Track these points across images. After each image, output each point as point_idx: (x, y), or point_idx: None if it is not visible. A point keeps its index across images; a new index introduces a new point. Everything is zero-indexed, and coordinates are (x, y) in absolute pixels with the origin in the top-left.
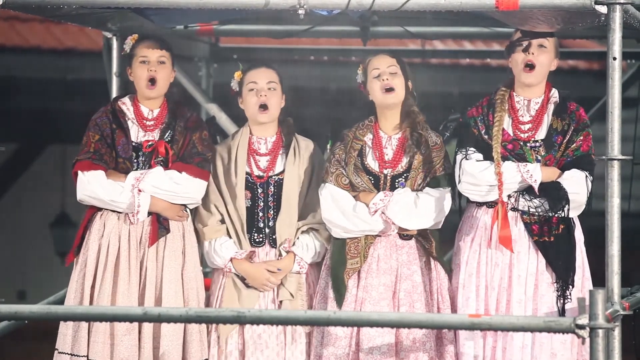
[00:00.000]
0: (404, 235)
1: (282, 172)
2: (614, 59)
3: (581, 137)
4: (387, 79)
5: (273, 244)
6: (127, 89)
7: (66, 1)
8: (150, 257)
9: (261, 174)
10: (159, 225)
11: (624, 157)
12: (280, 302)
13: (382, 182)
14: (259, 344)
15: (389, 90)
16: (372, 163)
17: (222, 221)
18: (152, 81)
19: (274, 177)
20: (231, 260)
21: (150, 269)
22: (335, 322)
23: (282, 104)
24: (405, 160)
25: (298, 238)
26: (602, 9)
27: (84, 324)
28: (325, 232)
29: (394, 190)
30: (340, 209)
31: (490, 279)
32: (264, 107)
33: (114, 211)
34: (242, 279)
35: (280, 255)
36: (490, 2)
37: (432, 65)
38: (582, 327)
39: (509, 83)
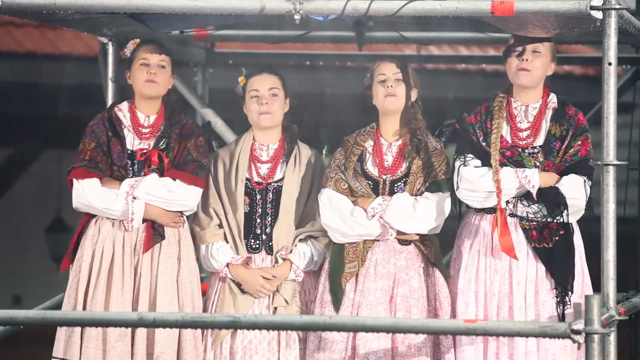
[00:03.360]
0: (403, 240)
1: (282, 179)
2: (610, 64)
3: (579, 142)
4: (391, 86)
5: (269, 250)
6: (123, 94)
7: (62, 6)
8: (145, 264)
9: (260, 180)
10: (154, 231)
11: (619, 163)
12: (275, 308)
13: (381, 186)
14: (249, 349)
15: (391, 96)
16: (371, 168)
17: (220, 225)
18: (151, 82)
19: (273, 184)
20: (227, 265)
21: (144, 275)
22: (330, 327)
23: (285, 109)
24: (404, 166)
25: (296, 245)
26: (598, 15)
27: (77, 329)
28: (325, 240)
29: (393, 195)
30: (338, 214)
31: (489, 285)
32: (265, 113)
33: (108, 218)
34: (238, 284)
35: (276, 262)
36: (485, 8)
37: (428, 70)
38: (577, 332)
39: (507, 89)
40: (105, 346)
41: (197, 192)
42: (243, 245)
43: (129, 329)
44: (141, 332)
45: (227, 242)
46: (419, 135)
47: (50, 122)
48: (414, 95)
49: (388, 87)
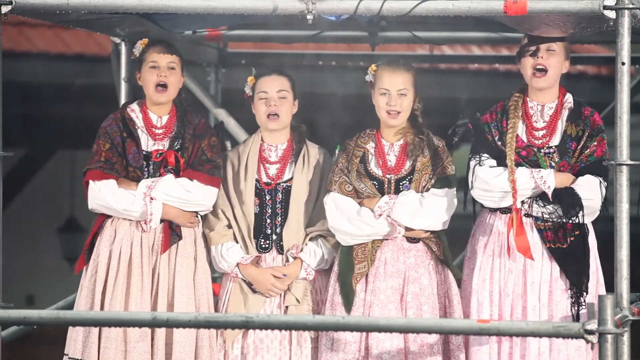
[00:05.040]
0: (411, 238)
1: (291, 179)
2: (623, 64)
3: (595, 143)
4: (394, 104)
5: (280, 250)
6: (136, 94)
7: (75, 7)
8: (163, 264)
9: (269, 181)
10: (171, 232)
11: (632, 162)
12: (287, 307)
13: (386, 186)
14: (260, 348)
15: (394, 114)
16: (375, 169)
17: (229, 226)
18: (162, 86)
19: (282, 184)
20: (237, 265)
21: (162, 275)
22: (343, 327)
23: (294, 110)
24: (408, 164)
25: (306, 244)
26: (611, 14)
27: (95, 329)
28: (334, 239)
29: (399, 193)
30: (345, 216)
31: (504, 285)
32: (273, 115)
33: (125, 218)
34: (249, 284)
35: (287, 261)
36: (498, 7)
37: (440, 70)
38: (591, 332)
39: (523, 88)
40: (126, 347)
41: (214, 191)
42: (253, 245)
43: (149, 329)
44: (161, 332)
45: (236, 242)
46: (420, 133)
47: (63, 122)
48: (416, 99)
49: (391, 105)
